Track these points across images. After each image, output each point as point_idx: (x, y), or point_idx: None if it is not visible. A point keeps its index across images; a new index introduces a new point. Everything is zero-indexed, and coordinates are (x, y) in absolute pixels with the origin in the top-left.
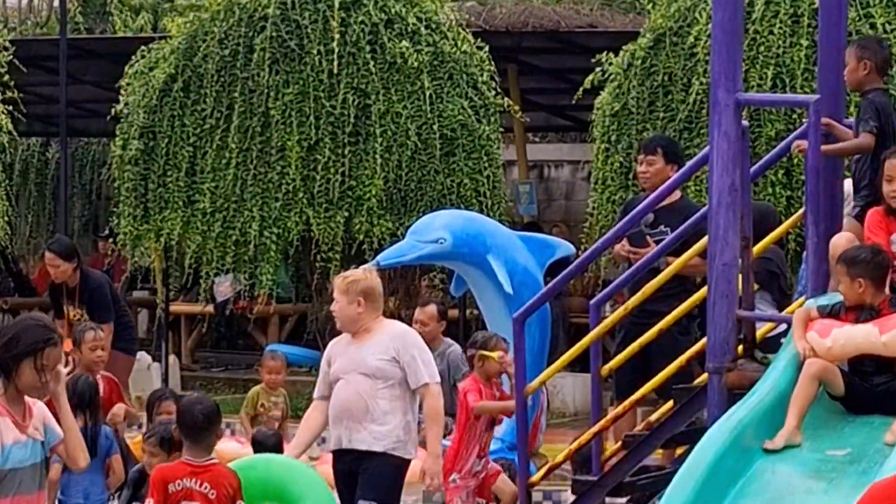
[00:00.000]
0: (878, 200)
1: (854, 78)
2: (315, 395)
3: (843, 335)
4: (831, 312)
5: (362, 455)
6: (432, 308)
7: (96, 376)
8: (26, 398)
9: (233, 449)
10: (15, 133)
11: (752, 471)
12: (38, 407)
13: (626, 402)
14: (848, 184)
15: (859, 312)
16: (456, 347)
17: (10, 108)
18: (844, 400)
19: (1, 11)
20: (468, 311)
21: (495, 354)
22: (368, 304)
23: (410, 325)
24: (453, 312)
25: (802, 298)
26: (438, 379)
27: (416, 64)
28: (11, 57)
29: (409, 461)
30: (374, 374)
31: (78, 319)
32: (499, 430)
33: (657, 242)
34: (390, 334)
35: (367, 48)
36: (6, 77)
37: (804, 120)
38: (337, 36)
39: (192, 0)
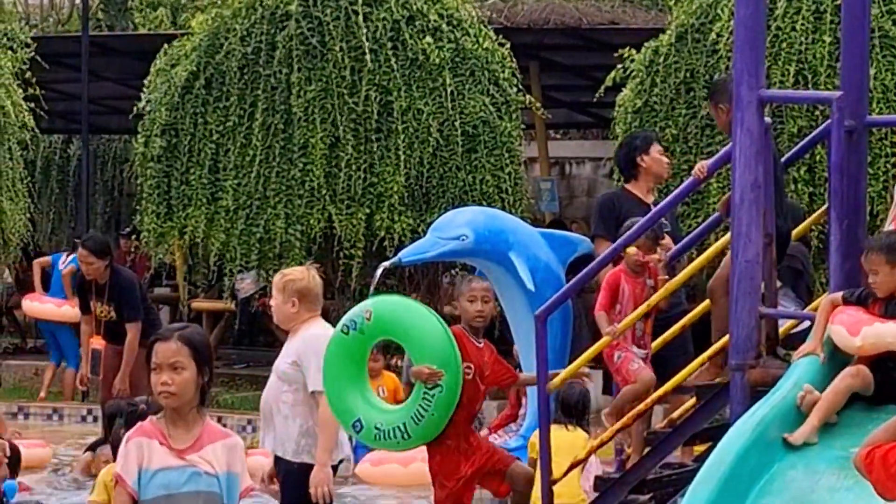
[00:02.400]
0: None
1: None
2: None
3: (874, 334)
4: (858, 300)
5: (275, 458)
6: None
7: None
8: None
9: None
10: (37, 130)
11: (774, 468)
12: None
13: (648, 400)
14: None
15: (887, 303)
16: None
17: (33, 105)
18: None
19: (23, 9)
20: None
21: (631, 250)
22: (303, 304)
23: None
24: None
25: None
26: None
27: (437, 61)
28: (33, 54)
29: (310, 466)
30: (281, 377)
31: (105, 316)
32: (518, 428)
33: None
34: (302, 338)
35: (389, 45)
36: (28, 74)
37: (827, 117)
38: (359, 33)
39: None
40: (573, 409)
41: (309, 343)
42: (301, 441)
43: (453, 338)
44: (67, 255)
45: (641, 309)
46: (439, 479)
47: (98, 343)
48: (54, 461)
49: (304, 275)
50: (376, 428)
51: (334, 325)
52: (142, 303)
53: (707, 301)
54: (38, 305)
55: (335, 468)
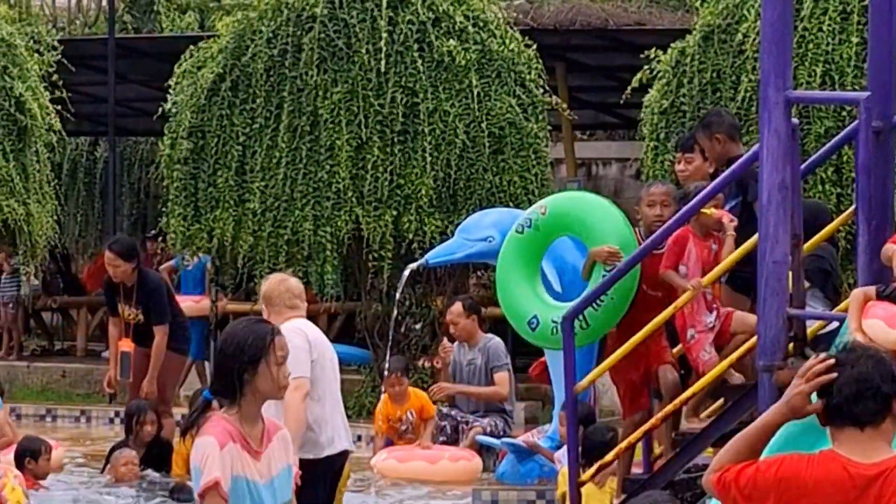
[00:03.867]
0: None
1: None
2: None
3: None
4: (890, 295)
5: None
6: (458, 306)
7: None
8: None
9: None
10: (64, 132)
11: None
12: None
13: (676, 401)
14: None
15: None
16: (496, 341)
17: (59, 107)
18: None
19: (50, 11)
20: None
21: (710, 211)
22: (269, 309)
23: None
24: (500, 310)
25: None
26: (296, 374)
27: (463, 62)
28: (60, 56)
29: (304, 461)
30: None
31: (133, 319)
32: (548, 429)
33: None
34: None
35: (415, 47)
36: (55, 77)
37: (854, 117)
38: (385, 35)
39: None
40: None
41: None
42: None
43: (630, 224)
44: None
45: (732, 258)
46: (620, 375)
47: (127, 346)
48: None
49: (268, 281)
50: (553, 321)
51: (365, 330)
52: (169, 306)
53: None
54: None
55: (338, 460)
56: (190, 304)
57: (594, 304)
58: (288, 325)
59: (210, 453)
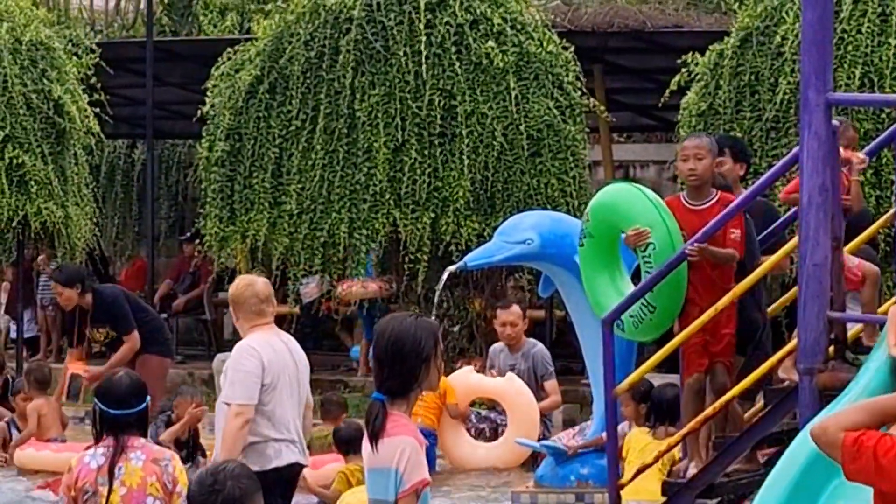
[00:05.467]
0: None
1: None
2: None
3: None
4: None
5: None
6: (517, 308)
7: None
8: None
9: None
10: (102, 135)
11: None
12: None
13: (717, 404)
14: None
15: None
16: (540, 347)
17: (97, 109)
18: None
19: (88, 14)
20: (554, 312)
21: (847, 153)
22: (239, 314)
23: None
24: (539, 314)
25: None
26: (239, 401)
27: (501, 64)
28: (98, 59)
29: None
30: (223, 386)
31: (105, 339)
32: (587, 427)
33: None
34: (234, 349)
35: (453, 49)
36: (93, 79)
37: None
38: (423, 37)
39: (278, 2)
40: (665, 412)
41: (233, 354)
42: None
43: (657, 199)
44: None
45: None
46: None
47: (77, 368)
48: None
49: (237, 283)
50: (630, 316)
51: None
52: (137, 312)
53: (785, 296)
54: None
55: (287, 472)
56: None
57: (652, 289)
58: (245, 343)
59: (413, 454)
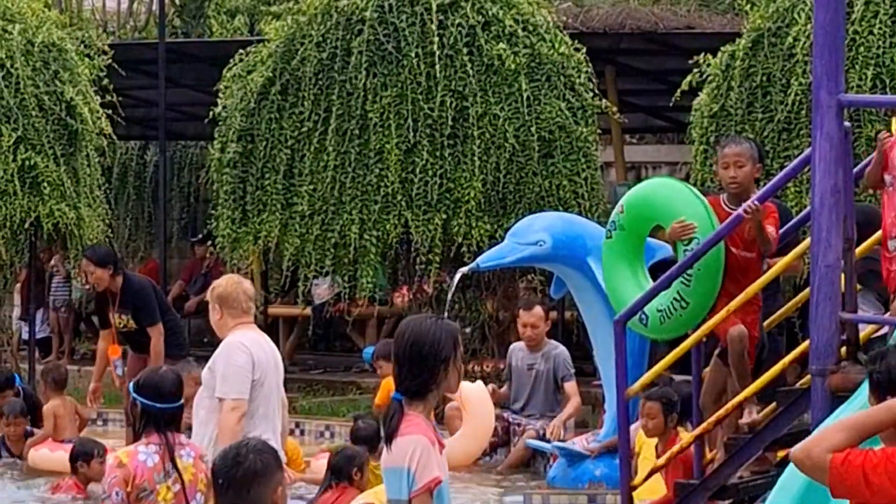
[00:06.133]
0: None
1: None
2: None
3: None
4: None
5: None
6: (540, 310)
7: None
8: None
9: None
10: (114, 136)
11: None
12: None
13: (729, 405)
14: None
15: None
16: (562, 349)
17: (110, 111)
18: None
19: (100, 16)
20: (567, 314)
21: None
22: (225, 311)
23: (513, 326)
24: (552, 315)
25: None
26: (234, 396)
27: (513, 66)
28: (110, 61)
29: None
30: (201, 381)
31: (125, 326)
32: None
33: None
34: (222, 344)
35: (465, 50)
36: (105, 81)
37: None
38: (434, 39)
39: (290, 3)
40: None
41: (221, 349)
42: (211, 449)
43: (701, 196)
44: None
45: None
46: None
47: (115, 352)
48: None
49: (225, 282)
50: (658, 311)
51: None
52: (163, 312)
53: (797, 297)
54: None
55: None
56: None
57: (684, 281)
58: (235, 339)
59: (424, 452)
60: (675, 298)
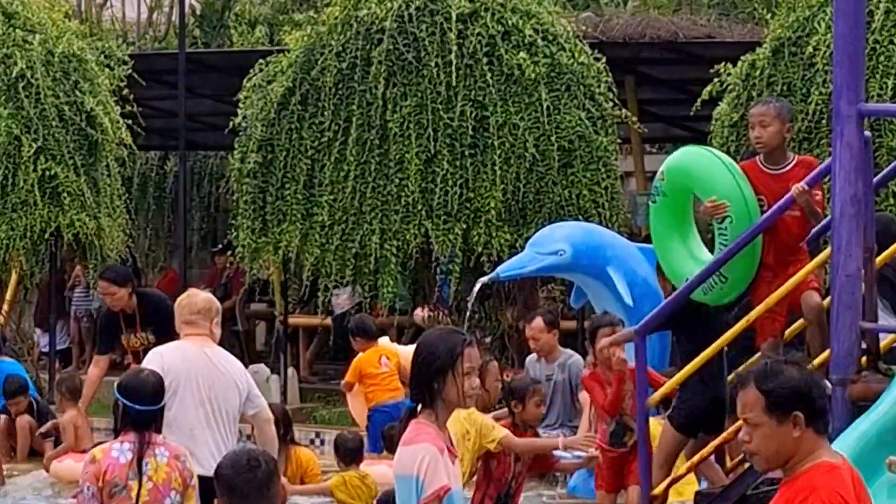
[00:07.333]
0: None
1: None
2: None
3: None
4: None
5: None
6: (540, 321)
7: None
8: None
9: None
10: (134, 146)
11: (875, 484)
12: None
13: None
14: None
15: None
16: (577, 357)
17: (130, 121)
18: None
19: (120, 26)
20: (586, 323)
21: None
22: (178, 322)
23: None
24: (571, 324)
25: None
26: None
27: (533, 75)
28: (131, 71)
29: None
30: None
31: (143, 345)
32: None
33: None
34: None
35: (485, 60)
36: (126, 91)
37: None
38: (454, 48)
39: (310, 14)
40: None
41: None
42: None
43: (735, 168)
44: None
45: None
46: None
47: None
48: None
49: (181, 296)
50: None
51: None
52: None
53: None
54: None
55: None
56: None
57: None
58: (156, 349)
59: (431, 460)
60: (716, 274)
